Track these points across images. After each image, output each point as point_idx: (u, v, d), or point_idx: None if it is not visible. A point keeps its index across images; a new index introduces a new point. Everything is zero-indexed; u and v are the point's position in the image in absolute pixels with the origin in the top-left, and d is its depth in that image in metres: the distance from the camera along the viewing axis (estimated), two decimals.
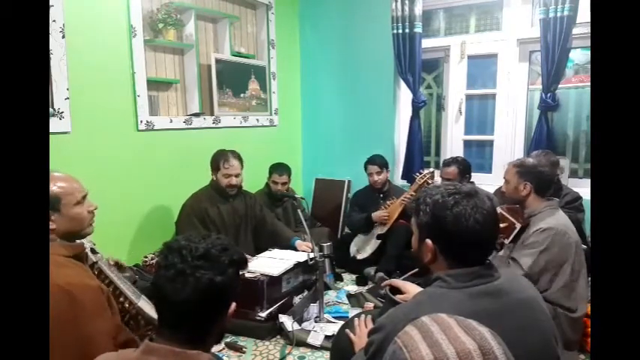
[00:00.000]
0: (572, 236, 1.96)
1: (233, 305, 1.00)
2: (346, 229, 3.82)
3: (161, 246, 1.01)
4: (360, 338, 1.44)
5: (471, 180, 3.05)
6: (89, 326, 1.28)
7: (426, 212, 1.11)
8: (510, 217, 2.07)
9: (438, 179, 3.16)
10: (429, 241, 1.11)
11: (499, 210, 2.12)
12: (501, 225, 2.08)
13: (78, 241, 1.51)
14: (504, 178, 2.16)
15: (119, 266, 1.80)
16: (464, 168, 3.00)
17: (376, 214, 3.25)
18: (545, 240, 1.91)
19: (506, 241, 2.08)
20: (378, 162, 3.33)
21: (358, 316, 1.61)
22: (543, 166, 2.13)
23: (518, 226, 2.05)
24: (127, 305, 1.62)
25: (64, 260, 1.36)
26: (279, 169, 3.32)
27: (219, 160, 2.83)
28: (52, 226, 1.38)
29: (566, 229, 1.96)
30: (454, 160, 3.04)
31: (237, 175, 2.85)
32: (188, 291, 0.90)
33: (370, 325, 1.46)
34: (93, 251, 1.61)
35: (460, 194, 1.09)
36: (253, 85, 3.70)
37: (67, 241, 1.44)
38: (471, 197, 1.08)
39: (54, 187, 1.40)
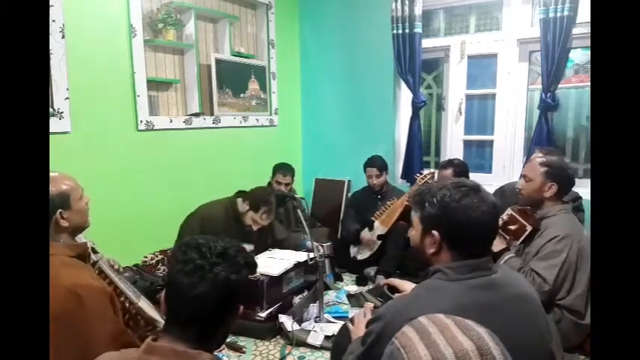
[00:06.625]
0: (586, 242, 1.89)
1: (241, 308, 1.01)
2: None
3: (175, 244, 1.02)
4: (357, 329, 1.44)
5: None
6: (94, 328, 1.29)
7: (434, 204, 1.12)
8: (521, 219, 2.04)
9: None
10: (435, 233, 1.12)
11: (510, 211, 2.10)
12: (512, 227, 2.05)
13: (80, 240, 1.52)
14: (525, 175, 2.03)
15: (117, 270, 1.81)
16: (460, 170, 2.96)
17: (365, 237, 3.27)
18: (564, 249, 1.84)
19: (516, 243, 2.06)
20: (378, 164, 3.32)
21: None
22: (569, 168, 2.03)
23: (529, 228, 2.00)
24: (128, 305, 1.64)
25: (69, 260, 1.37)
26: (283, 169, 3.32)
27: (260, 203, 2.71)
28: (64, 223, 1.41)
29: (580, 234, 1.91)
30: (450, 163, 3.03)
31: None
32: (204, 286, 0.91)
33: (369, 317, 1.47)
34: (94, 251, 1.63)
35: (466, 187, 1.12)
36: (253, 85, 3.70)
37: (71, 240, 1.45)
38: (477, 191, 1.12)
39: (62, 186, 1.43)
